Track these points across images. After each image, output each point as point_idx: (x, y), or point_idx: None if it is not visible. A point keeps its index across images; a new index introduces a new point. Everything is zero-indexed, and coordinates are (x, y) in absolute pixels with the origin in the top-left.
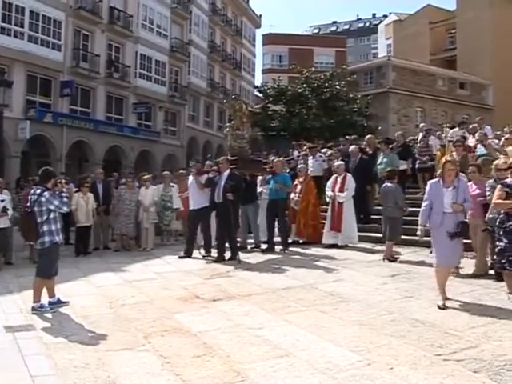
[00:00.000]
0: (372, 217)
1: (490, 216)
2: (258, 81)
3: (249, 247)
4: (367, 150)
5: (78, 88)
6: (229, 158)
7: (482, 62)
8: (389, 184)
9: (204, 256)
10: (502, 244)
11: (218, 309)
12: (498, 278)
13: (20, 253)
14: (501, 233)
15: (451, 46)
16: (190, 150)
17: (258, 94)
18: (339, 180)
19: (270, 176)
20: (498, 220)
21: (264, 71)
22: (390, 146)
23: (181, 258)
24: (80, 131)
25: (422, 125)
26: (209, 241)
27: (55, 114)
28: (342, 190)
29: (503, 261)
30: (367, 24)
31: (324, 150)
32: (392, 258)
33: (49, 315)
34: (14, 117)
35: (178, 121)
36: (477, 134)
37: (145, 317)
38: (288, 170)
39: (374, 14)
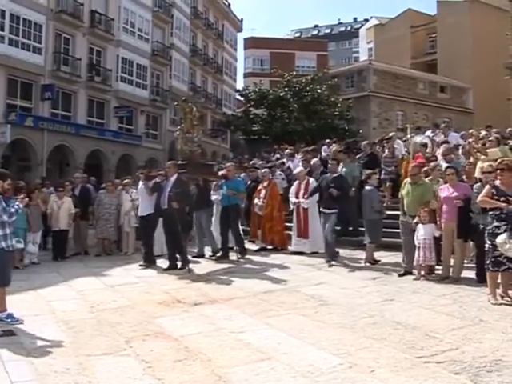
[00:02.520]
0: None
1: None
2: (240, 85)
3: (208, 255)
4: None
5: (59, 92)
6: (177, 162)
7: (462, 66)
8: (367, 187)
9: (141, 265)
10: (485, 245)
11: (200, 313)
12: (480, 279)
13: None
14: (485, 235)
15: (432, 50)
16: (171, 154)
17: (239, 97)
18: (302, 186)
19: (223, 181)
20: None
21: (245, 75)
22: (358, 156)
23: (141, 266)
24: (61, 135)
25: (391, 134)
26: (148, 250)
27: (36, 117)
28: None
29: (487, 262)
30: (348, 28)
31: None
32: (373, 260)
33: (29, 320)
34: None
35: (159, 124)
36: (441, 148)
37: (126, 321)
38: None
39: (355, 18)
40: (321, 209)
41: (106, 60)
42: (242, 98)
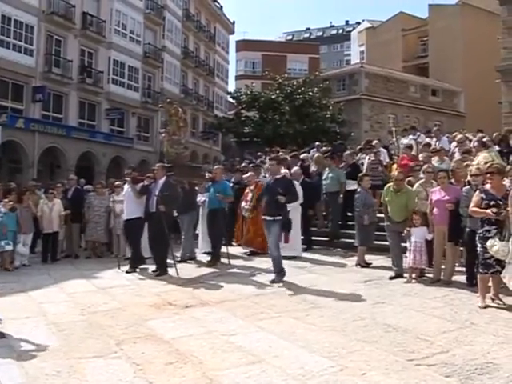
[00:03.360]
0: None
1: (467, 229)
2: (232, 87)
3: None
4: (314, 169)
5: (51, 93)
6: (165, 164)
7: (453, 70)
8: (358, 189)
9: (128, 272)
10: (477, 249)
11: (191, 315)
12: (470, 283)
13: None
14: (476, 238)
15: (423, 54)
16: (163, 156)
17: (231, 100)
18: None
19: (210, 184)
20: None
21: (237, 77)
22: (340, 165)
23: (128, 272)
24: (52, 137)
25: (374, 142)
26: (136, 255)
27: (27, 119)
28: None
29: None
30: (340, 31)
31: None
32: (364, 263)
33: (20, 322)
34: None
35: (150, 127)
36: (421, 156)
37: (117, 324)
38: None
39: (347, 21)
40: (263, 216)
41: (98, 62)
42: (234, 101)
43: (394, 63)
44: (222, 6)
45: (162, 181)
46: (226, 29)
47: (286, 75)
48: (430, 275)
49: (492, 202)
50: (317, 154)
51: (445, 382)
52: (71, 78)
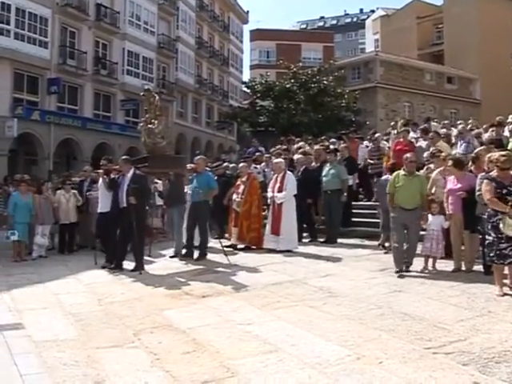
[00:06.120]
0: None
1: (484, 217)
2: (246, 77)
3: (167, 255)
4: (313, 164)
5: (66, 85)
6: (129, 158)
7: (469, 57)
8: (384, 177)
9: (104, 267)
10: (490, 238)
11: (207, 305)
12: (486, 271)
13: (8, 251)
14: (489, 227)
15: (438, 41)
16: (178, 147)
17: (245, 89)
18: (278, 179)
19: (194, 175)
20: (486, 214)
21: (252, 67)
22: (337, 158)
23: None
24: (68, 129)
25: (377, 135)
26: (111, 248)
27: (43, 111)
28: (281, 190)
29: (491, 254)
30: (355, 19)
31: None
32: (382, 247)
33: (38, 313)
34: (1, 115)
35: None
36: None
37: (134, 314)
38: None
39: (361, 9)
40: None
41: (112, 53)
42: (249, 90)
43: (408, 51)
44: None
45: (129, 174)
46: (239, 18)
47: (300, 64)
48: (444, 262)
49: (504, 191)
50: (316, 147)
51: (462, 370)
52: (86, 70)
